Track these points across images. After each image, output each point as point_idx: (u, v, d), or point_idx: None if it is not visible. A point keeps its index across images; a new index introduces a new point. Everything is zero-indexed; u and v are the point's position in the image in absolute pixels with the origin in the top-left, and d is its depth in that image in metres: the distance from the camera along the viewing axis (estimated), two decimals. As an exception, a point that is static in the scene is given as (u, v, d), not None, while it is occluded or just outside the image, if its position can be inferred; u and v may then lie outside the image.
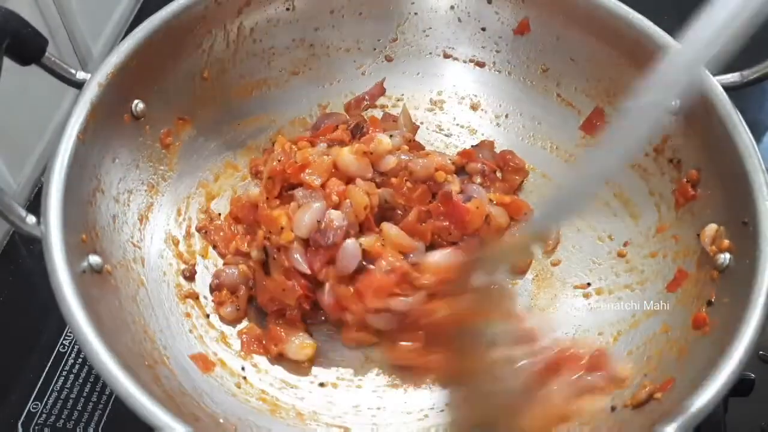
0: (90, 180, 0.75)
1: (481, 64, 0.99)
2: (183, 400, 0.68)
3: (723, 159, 0.77)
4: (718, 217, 0.76)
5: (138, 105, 0.82)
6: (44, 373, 0.85)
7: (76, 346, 0.87)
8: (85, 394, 0.83)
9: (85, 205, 0.74)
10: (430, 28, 0.99)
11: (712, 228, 0.76)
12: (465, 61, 1.00)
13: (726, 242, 0.73)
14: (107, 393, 0.83)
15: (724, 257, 0.73)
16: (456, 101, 1.01)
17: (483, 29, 0.97)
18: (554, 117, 0.96)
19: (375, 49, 0.99)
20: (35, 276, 0.93)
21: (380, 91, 1.00)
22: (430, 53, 1.00)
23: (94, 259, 0.71)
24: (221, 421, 0.70)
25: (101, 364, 0.61)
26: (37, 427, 0.81)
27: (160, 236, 0.84)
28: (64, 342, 0.87)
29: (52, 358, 0.86)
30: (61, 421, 0.81)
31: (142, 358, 0.69)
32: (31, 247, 0.96)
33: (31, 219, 0.68)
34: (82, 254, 0.70)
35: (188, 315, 0.81)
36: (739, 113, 0.76)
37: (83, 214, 0.73)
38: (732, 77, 0.79)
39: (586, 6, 0.87)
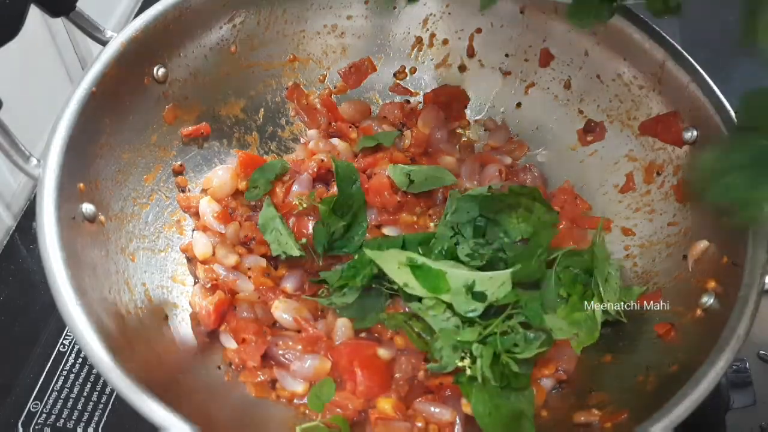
0: (100, 133, 0.78)
1: (507, 73, 0.98)
2: (138, 343, 0.70)
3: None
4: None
5: (160, 69, 0.85)
6: (44, 373, 0.85)
7: (76, 346, 0.87)
8: (85, 394, 0.84)
9: (91, 156, 0.77)
10: (462, 29, 0.98)
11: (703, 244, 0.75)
12: (492, 68, 0.99)
13: (713, 283, 0.71)
14: (107, 392, 0.84)
15: (708, 297, 0.70)
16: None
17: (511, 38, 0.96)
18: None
19: (404, 44, 1.00)
20: (35, 276, 0.94)
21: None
22: (459, 54, 1.00)
23: (88, 208, 0.74)
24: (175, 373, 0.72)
25: (60, 296, 0.63)
26: (37, 427, 0.81)
27: (162, 197, 0.87)
28: (64, 342, 0.88)
29: (52, 358, 0.86)
30: (61, 420, 0.82)
31: (115, 306, 0.72)
32: (31, 247, 0.96)
33: (34, 161, 0.71)
34: (77, 201, 0.73)
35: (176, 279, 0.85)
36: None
37: (87, 164, 0.76)
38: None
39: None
